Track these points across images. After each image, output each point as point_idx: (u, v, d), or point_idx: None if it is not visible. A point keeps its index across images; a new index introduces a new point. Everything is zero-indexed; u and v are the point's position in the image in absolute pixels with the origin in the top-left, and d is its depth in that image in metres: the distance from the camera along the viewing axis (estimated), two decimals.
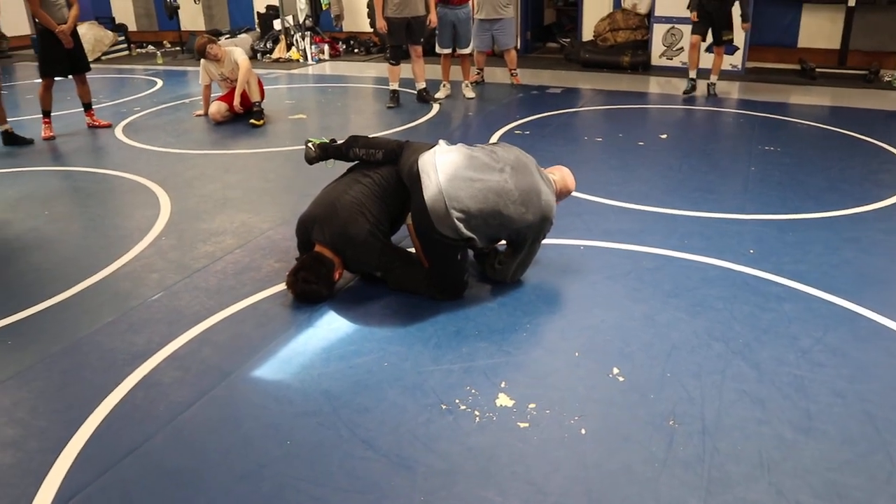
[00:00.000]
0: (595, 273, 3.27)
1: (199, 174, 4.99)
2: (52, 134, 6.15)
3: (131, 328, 2.94)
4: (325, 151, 3.40)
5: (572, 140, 5.59)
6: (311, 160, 3.43)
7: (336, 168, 3.42)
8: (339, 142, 3.37)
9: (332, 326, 2.89)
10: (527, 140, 5.59)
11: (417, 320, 2.90)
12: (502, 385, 2.45)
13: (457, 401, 2.38)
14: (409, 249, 3.35)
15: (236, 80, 6.35)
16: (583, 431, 2.22)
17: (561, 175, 3.29)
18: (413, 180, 2.93)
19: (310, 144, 3.44)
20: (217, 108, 6.43)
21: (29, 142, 5.99)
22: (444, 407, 2.35)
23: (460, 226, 2.82)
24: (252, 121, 6.30)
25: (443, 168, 2.89)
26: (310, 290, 3.03)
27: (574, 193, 4.22)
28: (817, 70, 7.82)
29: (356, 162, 3.32)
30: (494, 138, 5.59)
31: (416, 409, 2.35)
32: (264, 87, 6.73)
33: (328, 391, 2.47)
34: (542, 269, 3.29)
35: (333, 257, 3.06)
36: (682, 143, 5.47)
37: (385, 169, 3.17)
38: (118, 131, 6.28)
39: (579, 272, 3.28)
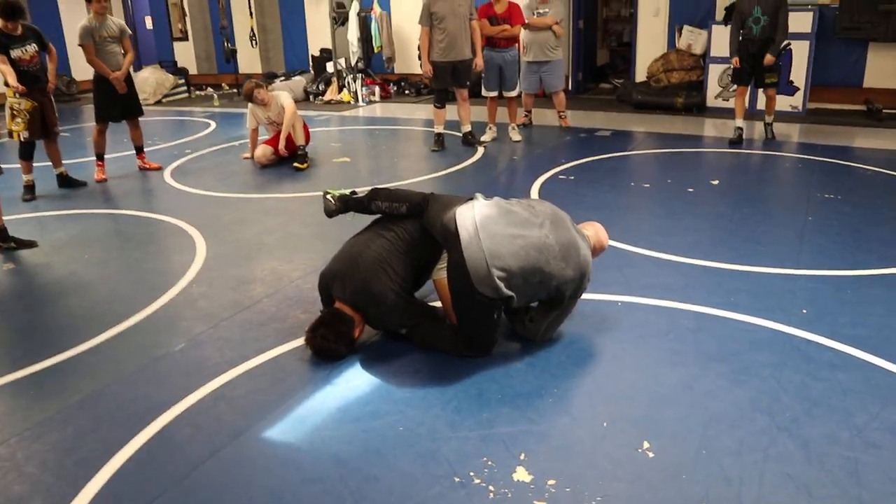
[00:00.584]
0: (631, 332, 3.08)
1: (239, 218, 5.01)
2: (104, 177, 6.32)
3: (152, 380, 2.90)
4: (346, 204, 3.28)
5: (618, 186, 5.42)
6: (330, 213, 3.32)
7: (360, 220, 3.35)
8: (361, 194, 3.28)
9: (349, 385, 2.79)
10: (571, 186, 5.45)
11: (439, 380, 2.76)
12: (521, 457, 2.29)
13: (471, 473, 2.22)
14: (435, 303, 3.24)
15: (282, 124, 6.44)
16: None
17: (594, 231, 3.14)
18: (450, 237, 2.81)
19: (329, 197, 3.34)
20: (262, 151, 6.52)
21: (82, 184, 6.17)
22: (457, 480, 2.20)
23: (501, 285, 2.70)
24: (296, 164, 6.36)
25: (483, 224, 2.78)
26: (327, 349, 2.93)
27: (614, 244, 4.08)
28: (885, 111, 7.45)
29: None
30: (538, 183, 5.47)
31: (428, 480, 2.21)
32: (311, 130, 6.81)
33: (338, 456, 2.35)
34: (576, 327, 3.12)
35: (354, 314, 2.97)
36: (734, 190, 5.23)
37: (409, 222, 3.08)
38: (167, 174, 6.42)
39: (614, 331, 3.10)
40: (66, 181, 6.14)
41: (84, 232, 4.92)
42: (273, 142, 6.55)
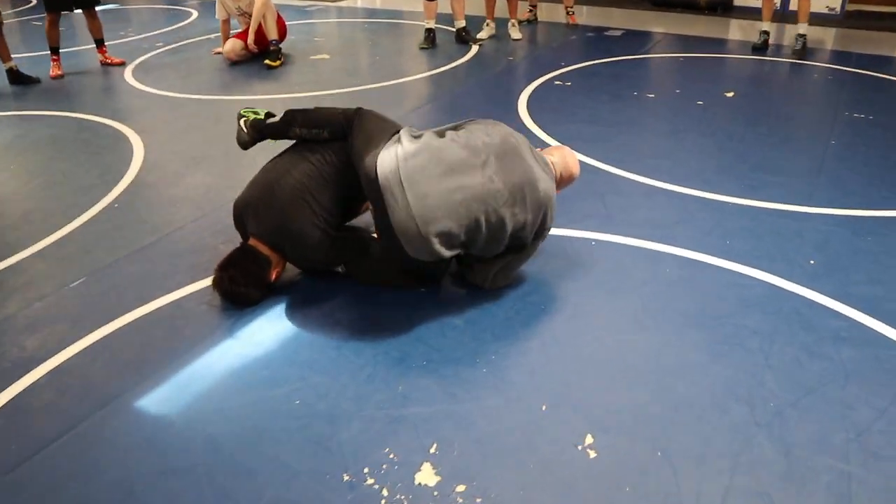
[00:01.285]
0: (601, 282, 2.58)
1: (189, 125, 4.48)
2: (60, 73, 5.75)
3: (30, 326, 2.48)
4: (260, 132, 2.72)
5: (619, 96, 4.75)
6: (243, 144, 2.75)
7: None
8: (276, 118, 2.70)
9: (253, 339, 2.35)
10: (564, 94, 4.80)
11: (358, 337, 2.31)
12: (432, 449, 1.86)
13: (365, 470, 1.80)
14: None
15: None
16: None
17: (561, 156, 2.59)
18: (374, 193, 2.27)
19: (243, 121, 2.76)
20: (232, 46, 5.87)
21: (35, 81, 5.62)
22: (346, 478, 1.78)
23: (440, 249, 2.24)
24: (267, 61, 5.73)
25: (410, 177, 2.21)
26: (236, 293, 2.48)
27: (601, 166, 3.52)
28: None
29: None
30: (529, 90, 4.83)
31: (310, 477, 1.79)
32: (298, 23, 6.12)
33: (213, 438, 1.93)
34: (535, 271, 2.63)
35: (270, 254, 2.50)
36: (750, 105, 4.55)
37: (337, 144, 2.55)
38: (128, 70, 5.82)
39: (580, 279, 2.60)
40: (16, 77, 5.58)
41: (19, 138, 4.42)
42: (243, 35, 5.89)
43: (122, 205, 3.37)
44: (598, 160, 3.64)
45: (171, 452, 1.90)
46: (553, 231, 2.68)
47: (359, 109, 2.54)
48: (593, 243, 2.85)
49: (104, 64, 6.03)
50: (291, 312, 2.49)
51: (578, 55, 5.79)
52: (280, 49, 5.84)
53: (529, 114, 4.37)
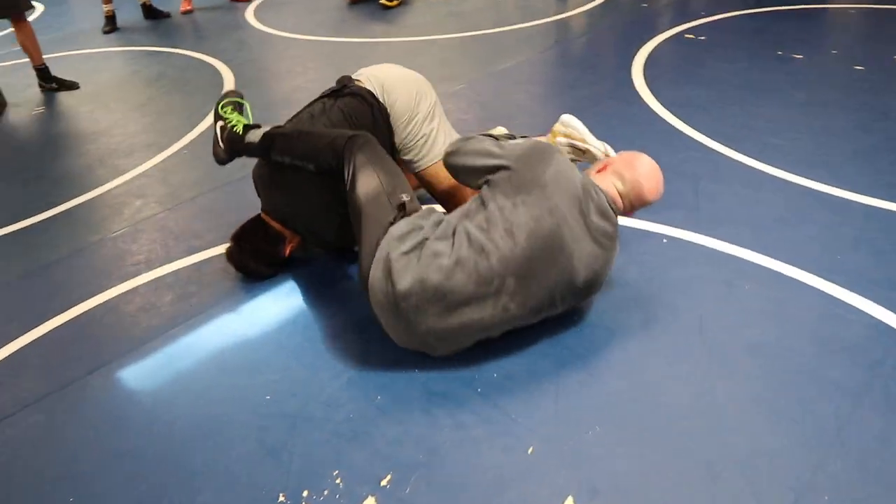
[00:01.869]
0: (656, 294, 2.14)
1: (288, 68, 4.38)
2: (189, 7, 5.90)
3: (53, 279, 2.48)
4: (237, 152, 2.25)
5: (757, 55, 4.03)
6: (220, 161, 2.28)
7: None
8: (262, 129, 2.21)
9: (253, 317, 2.19)
10: (692, 50, 4.16)
11: (355, 332, 2.08)
12: (384, 482, 1.60)
13: (304, 493, 1.59)
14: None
15: None
16: None
17: (632, 178, 1.91)
18: (369, 295, 1.87)
19: (220, 126, 2.26)
20: None
21: (166, 15, 5.81)
22: (280, 499, 1.58)
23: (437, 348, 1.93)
24: (382, 1, 5.50)
25: (407, 318, 1.80)
26: (246, 268, 2.33)
27: (705, 142, 3.00)
28: None
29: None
30: (653, 44, 4.23)
31: (247, 488, 1.61)
32: None
33: (169, 433, 1.79)
34: None
35: (282, 229, 2.30)
36: None
37: (356, 102, 2.27)
38: (251, 9, 5.85)
39: (631, 287, 2.17)
40: (150, 12, 5.79)
41: (133, 74, 4.56)
42: None
43: (192, 152, 3.34)
44: (702, 133, 3.09)
45: (128, 433, 1.80)
46: (622, 221, 2.28)
47: (351, 140, 2.02)
48: (665, 241, 2.39)
49: (232, 0, 6.10)
50: (299, 292, 2.30)
51: (723, 4, 5.01)
52: None
53: (644, 71, 3.82)
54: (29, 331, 2.20)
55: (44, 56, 4.32)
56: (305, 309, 2.22)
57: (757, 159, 2.85)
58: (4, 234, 2.79)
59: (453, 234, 1.79)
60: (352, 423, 1.77)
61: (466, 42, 4.64)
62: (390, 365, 1.93)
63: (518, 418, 1.74)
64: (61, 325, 2.22)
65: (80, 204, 2.96)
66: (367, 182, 1.93)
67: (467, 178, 1.95)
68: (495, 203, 1.79)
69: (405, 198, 1.93)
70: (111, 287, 2.38)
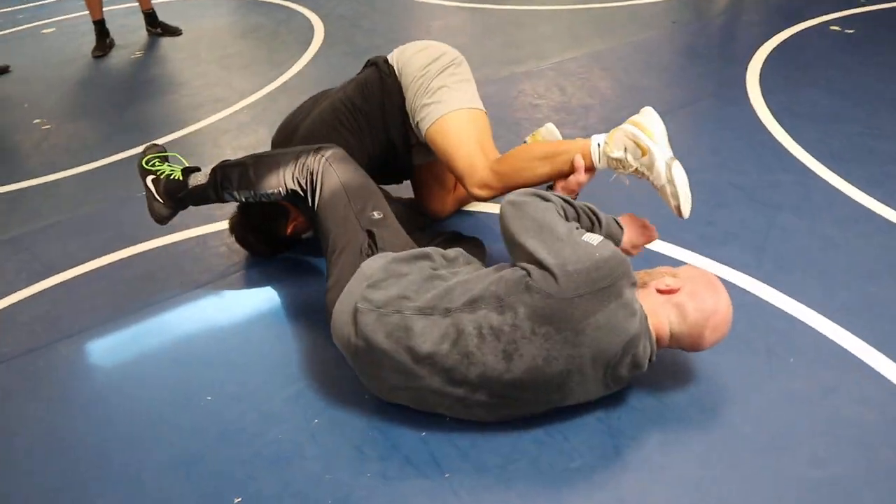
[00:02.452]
0: (708, 390, 1.76)
1: (408, 35, 4.22)
2: None
3: (83, 228, 2.50)
4: (181, 201, 1.99)
5: None
6: (160, 220, 2.01)
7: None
8: (200, 173, 1.98)
9: (231, 302, 2.07)
10: (835, 43, 3.52)
11: (327, 336, 1.90)
12: None
13: None
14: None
15: None
16: None
17: (696, 322, 1.51)
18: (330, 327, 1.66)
19: (151, 180, 1.97)
20: None
21: None
22: None
23: None
24: None
25: (364, 365, 1.59)
26: (245, 243, 2.21)
27: (804, 161, 2.53)
28: None
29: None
30: (788, 33, 3.64)
31: None
32: None
33: (110, 413, 1.72)
34: None
35: (288, 205, 2.15)
36: None
37: (370, 71, 2.07)
38: None
39: (673, 375, 1.81)
40: None
41: (232, 24, 4.59)
42: None
43: (254, 110, 3.28)
44: (807, 150, 2.58)
45: (68, 415, 1.74)
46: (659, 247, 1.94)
47: (316, 153, 1.83)
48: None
49: None
50: (288, 282, 2.14)
51: None
52: None
53: (764, 66, 3.28)
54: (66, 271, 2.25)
55: (153, 1, 4.43)
56: (288, 302, 2.07)
57: (867, 192, 2.33)
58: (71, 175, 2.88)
59: (442, 314, 1.48)
60: (278, 446, 1.60)
61: (575, 15, 4.23)
62: (346, 382, 1.73)
63: (453, 476, 1.50)
64: (51, 287, 2.22)
65: (125, 158, 2.98)
66: (334, 199, 1.73)
67: (508, 243, 1.57)
68: (514, 315, 1.43)
69: (376, 215, 1.72)
70: (108, 253, 2.34)
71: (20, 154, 3.15)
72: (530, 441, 1.55)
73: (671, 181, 1.67)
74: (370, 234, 1.68)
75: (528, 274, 1.44)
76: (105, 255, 2.33)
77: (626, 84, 3.28)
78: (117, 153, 3.01)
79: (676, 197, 1.67)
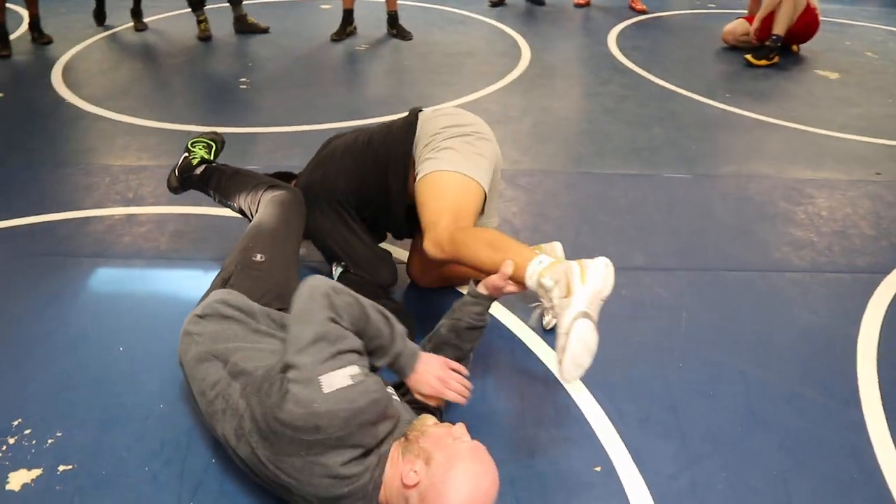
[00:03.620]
0: None
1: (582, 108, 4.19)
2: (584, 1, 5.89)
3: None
4: (183, 182, 2.31)
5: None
6: (170, 188, 2.36)
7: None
8: (207, 168, 2.28)
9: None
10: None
11: None
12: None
13: None
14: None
15: None
16: None
17: (440, 484, 1.33)
18: None
19: (183, 157, 2.32)
20: (734, 27, 5.00)
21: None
22: None
23: None
24: (748, 57, 4.71)
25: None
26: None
27: None
28: None
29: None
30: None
31: None
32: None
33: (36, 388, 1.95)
34: None
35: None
36: None
37: (402, 120, 2.15)
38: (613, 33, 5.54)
39: None
40: None
41: (459, 41, 4.89)
42: (750, 19, 4.92)
43: None
44: None
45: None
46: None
47: (271, 190, 2.09)
48: None
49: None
50: None
51: None
52: (777, 48, 4.68)
53: None
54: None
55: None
56: None
57: None
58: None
59: (223, 365, 1.59)
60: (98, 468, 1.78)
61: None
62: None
63: None
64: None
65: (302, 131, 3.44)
66: (247, 231, 1.96)
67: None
68: (247, 406, 1.47)
69: (257, 258, 1.88)
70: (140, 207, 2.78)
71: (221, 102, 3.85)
72: None
73: (567, 335, 1.54)
74: (235, 271, 1.83)
75: (275, 384, 1.41)
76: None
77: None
78: (300, 125, 3.49)
79: (563, 353, 1.54)
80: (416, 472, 1.35)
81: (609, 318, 1.70)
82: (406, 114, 2.16)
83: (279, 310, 1.77)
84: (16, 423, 1.80)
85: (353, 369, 1.40)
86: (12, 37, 4.53)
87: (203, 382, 1.60)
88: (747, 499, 1.66)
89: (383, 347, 1.56)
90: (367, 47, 4.72)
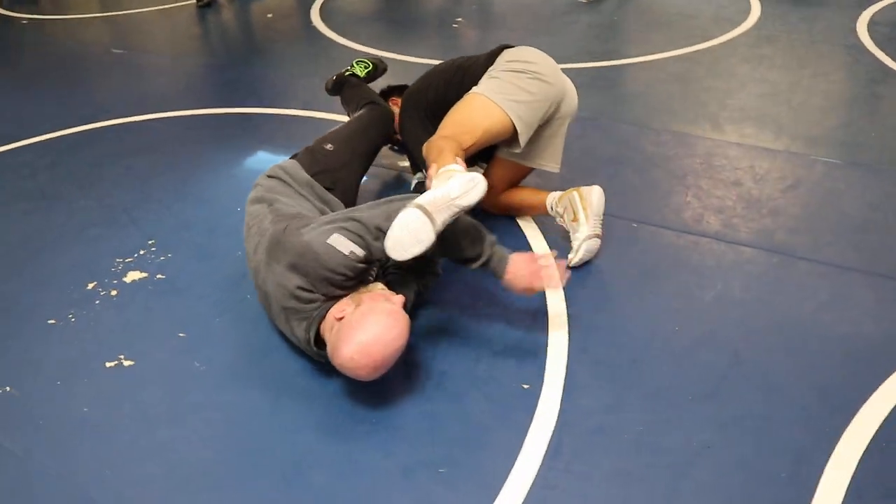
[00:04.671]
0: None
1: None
2: None
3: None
4: (339, 81, 2.77)
5: None
6: (326, 88, 2.83)
7: None
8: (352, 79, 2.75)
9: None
10: None
11: None
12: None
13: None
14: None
15: None
16: None
17: (337, 340, 1.73)
18: None
19: (347, 68, 2.81)
20: None
21: None
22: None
23: None
24: None
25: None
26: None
27: None
28: None
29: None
30: None
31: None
32: None
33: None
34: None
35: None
36: None
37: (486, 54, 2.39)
38: None
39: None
40: None
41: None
42: None
43: None
44: None
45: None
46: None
47: (370, 107, 2.50)
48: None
49: None
50: None
51: None
52: None
53: None
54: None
55: None
56: None
57: None
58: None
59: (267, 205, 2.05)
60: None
61: None
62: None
63: None
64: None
65: None
66: (340, 129, 2.41)
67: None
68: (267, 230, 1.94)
69: (328, 147, 2.29)
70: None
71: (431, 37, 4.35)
72: None
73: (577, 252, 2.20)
74: (304, 151, 2.31)
75: (302, 220, 1.86)
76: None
77: None
78: None
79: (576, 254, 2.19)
80: (345, 310, 1.75)
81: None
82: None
83: (326, 188, 2.19)
84: (150, 242, 2.52)
85: (359, 252, 1.76)
86: None
87: (249, 216, 2.08)
88: (647, 455, 1.69)
89: (476, 254, 1.86)
90: (589, 1, 4.81)
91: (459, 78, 2.36)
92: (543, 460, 1.68)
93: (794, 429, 1.73)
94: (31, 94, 3.86)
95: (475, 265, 1.87)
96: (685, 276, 2.25)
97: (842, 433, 1.71)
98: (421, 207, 1.73)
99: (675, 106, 3.35)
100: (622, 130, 3.14)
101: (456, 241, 1.85)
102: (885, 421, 1.73)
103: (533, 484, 1.63)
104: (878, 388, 1.82)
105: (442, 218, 1.74)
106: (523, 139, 2.22)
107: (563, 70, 2.37)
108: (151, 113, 3.50)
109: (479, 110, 2.17)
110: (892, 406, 1.77)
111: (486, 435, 1.76)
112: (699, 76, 3.65)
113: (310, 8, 4.95)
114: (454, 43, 4.26)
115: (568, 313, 2.11)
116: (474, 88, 2.23)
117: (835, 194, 2.65)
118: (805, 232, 2.44)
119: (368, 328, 1.68)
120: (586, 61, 3.83)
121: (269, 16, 4.90)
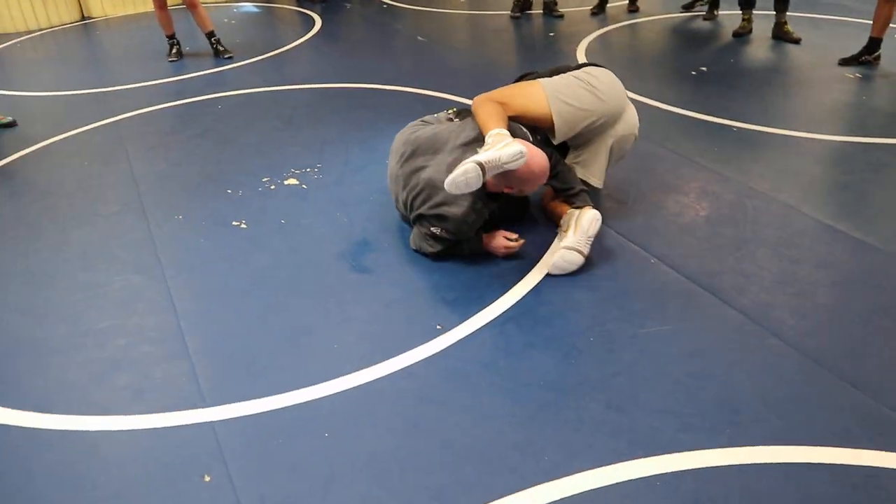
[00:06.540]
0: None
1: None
2: None
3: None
4: None
5: None
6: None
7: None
8: None
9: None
10: None
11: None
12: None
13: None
14: None
15: None
16: None
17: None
18: None
19: None
20: None
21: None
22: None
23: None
24: None
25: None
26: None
27: None
28: None
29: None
30: None
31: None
32: None
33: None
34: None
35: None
36: None
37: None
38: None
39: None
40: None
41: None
42: None
43: None
44: None
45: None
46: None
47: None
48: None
49: None
50: None
51: None
52: None
53: None
54: None
55: None
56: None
57: None
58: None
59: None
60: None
61: None
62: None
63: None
64: None
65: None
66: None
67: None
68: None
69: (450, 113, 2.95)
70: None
71: (670, 80, 4.63)
72: None
73: (552, 255, 2.62)
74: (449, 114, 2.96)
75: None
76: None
77: None
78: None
79: (550, 256, 2.61)
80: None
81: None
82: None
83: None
84: (318, 166, 3.48)
85: (476, 179, 2.34)
86: None
87: (396, 143, 2.83)
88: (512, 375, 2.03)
89: (570, 186, 2.66)
90: (858, 76, 4.52)
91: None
92: None
93: None
94: (349, 55, 5.24)
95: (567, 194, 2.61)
96: None
97: None
98: (480, 165, 2.32)
99: None
100: None
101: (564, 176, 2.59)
102: None
103: None
104: None
105: (490, 175, 2.35)
106: (559, 134, 2.63)
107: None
108: (408, 87, 4.49)
109: (532, 95, 2.64)
110: None
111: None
112: None
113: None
114: (687, 89, 4.41)
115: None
116: (542, 79, 2.69)
117: None
118: None
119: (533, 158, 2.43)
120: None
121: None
